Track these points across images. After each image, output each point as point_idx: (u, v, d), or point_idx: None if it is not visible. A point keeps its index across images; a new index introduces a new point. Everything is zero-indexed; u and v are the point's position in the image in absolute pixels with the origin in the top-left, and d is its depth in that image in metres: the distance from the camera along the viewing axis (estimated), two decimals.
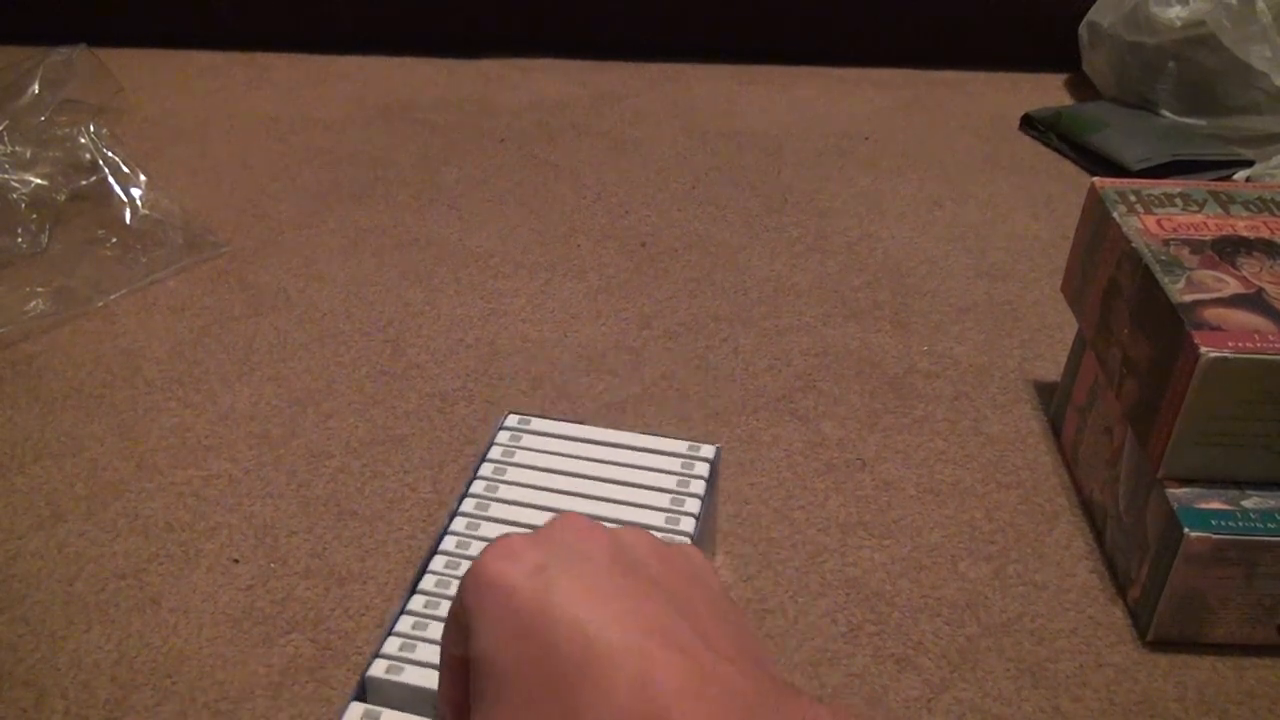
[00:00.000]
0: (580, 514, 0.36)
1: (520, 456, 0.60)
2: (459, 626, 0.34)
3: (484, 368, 0.88)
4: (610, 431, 0.61)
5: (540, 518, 0.56)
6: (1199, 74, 1.24)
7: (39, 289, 0.94)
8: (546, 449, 0.61)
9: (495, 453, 0.60)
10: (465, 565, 0.55)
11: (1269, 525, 0.62)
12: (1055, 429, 0.83)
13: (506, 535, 0.35)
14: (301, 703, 0.61)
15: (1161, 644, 0.66)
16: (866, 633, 0.67)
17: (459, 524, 0.56)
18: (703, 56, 1.46)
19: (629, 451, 0.61)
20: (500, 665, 0.31)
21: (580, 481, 0.58)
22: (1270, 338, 0.61)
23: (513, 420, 0.63)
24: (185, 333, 0.92)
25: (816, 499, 0.76)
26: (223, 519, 0.73)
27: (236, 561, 0.70)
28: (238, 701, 0.61)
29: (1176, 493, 0.64)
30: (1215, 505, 0.63)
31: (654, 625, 0.30)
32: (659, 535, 0.52)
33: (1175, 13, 1.22)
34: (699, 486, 0.59)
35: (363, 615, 0.67)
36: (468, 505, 0.57)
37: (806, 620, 0.67)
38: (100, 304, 0.94)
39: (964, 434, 0.83)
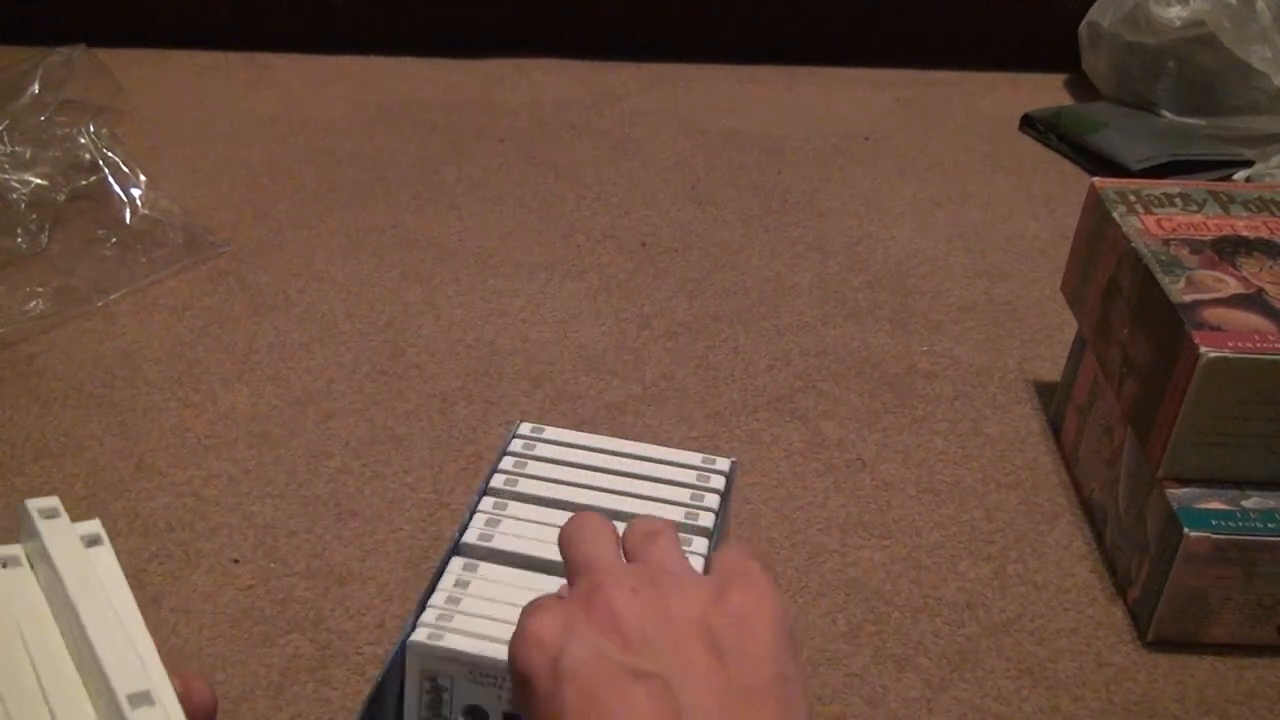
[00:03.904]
0: (613, 585, 0.37)
1: (532, 467, 0.59)
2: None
3: (484, 368, 0.88)
4: (624, 442, 0.61)
5: (552, 533, 0.55)
6: (1199, 74, 1.23)
7: (39, 289, 0.94)
8: (559, 459, 0.60)
9: (507, 463, 0.60)
10: (476, 584, 0.55)
11: (1269, 525, 0.62)
12: (1055, 429, 0.83)
13: (540, 612, 0.37)
14: (301, 703, 0.61)
15: (1161, 644, 0.66)
16: (866, 633, 0.67)
17: (471, 536, 0.55)
18: (703, 56, 1.46)
19: (643, 463, 0.60)
20: None
21: (593, 494, 0.57)
22: (1270, 338, 0.61)
23: (525, 429, 0.62)
24: (185, 333, 0.92)
25: (816, 499, 0.76)
26: (223, 519, 0.73)
27: (236, 561, 0.70)
28: (238, 701, 0.61)
29: (1176, 493, 0.64)
30: (1215, 505, 0.63)
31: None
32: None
33: (1175, 13, 1.22)
34: (714, 500, 0.58)
35: (363, 615, 0.67)
36: (479, 520, 0.56)
37: (806, 620, 0.67)
38: (100, 304, 0.94)
39: (964, 434, 0.83)
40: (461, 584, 0.53)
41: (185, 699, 0.32)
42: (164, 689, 0.30)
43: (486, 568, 0.54)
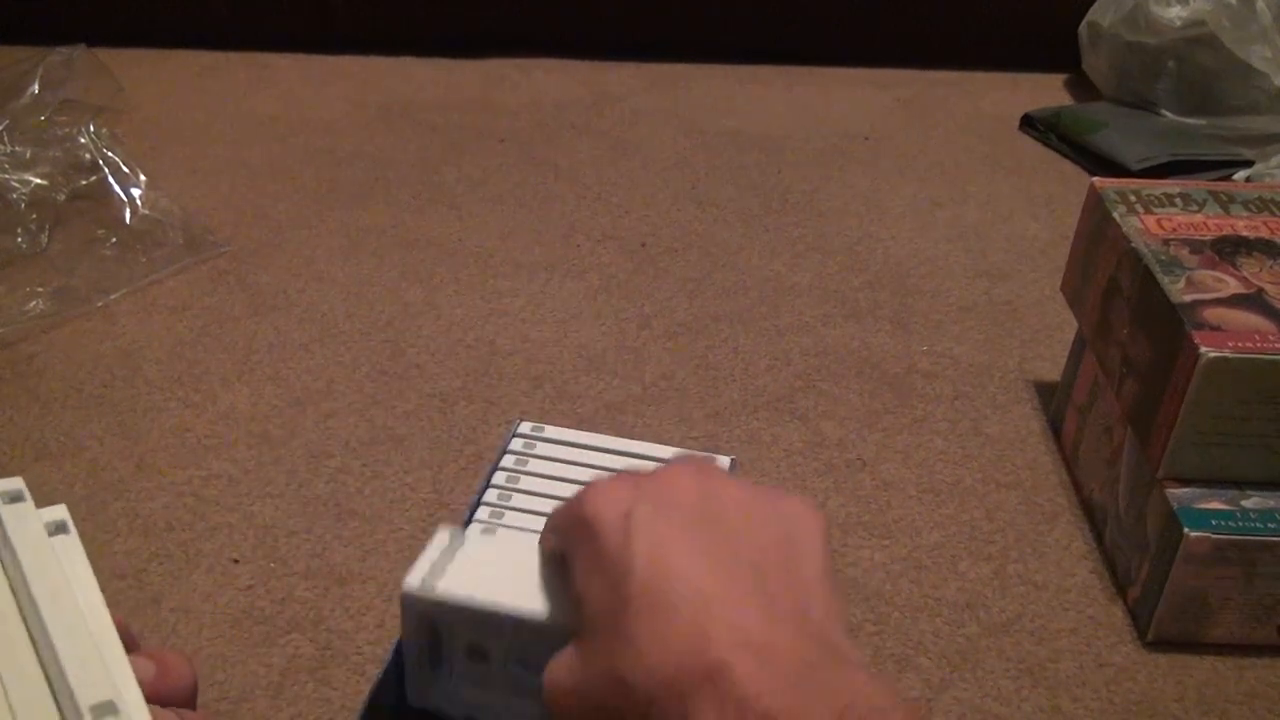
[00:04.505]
0: (688, 460, 0.40)
1: (534, 465, 0.60)
2: (561, 562, 0.39)
3: (484, 368, 0.88)
4: (625, 441, 0.61)
5: None
6: (1199, 74, 1.24)
7: (39, 289, 0.94)
8: (560, 458, 0.60)
9: (508, 462, 0.60)
10: (467, 547, 0.56)
11: (1269, 525, 0.62)
12: (1055, 429, 0.83)
13: (604, 479, 0.39)
14: (301, 703, 0.61)
15: (1161, 644, 0.66)
16: (866, 633, 0.67)
17: (474, 531, 0.56)
18: (703, 56, 1.46)
19: (644, 462, 0.60)
20: (587, 600, 0.35)
21: None
22: (1270, 338, 0.61)
23: (525, 428, 0.62)
24: (185, 333, 0.92)
25: (816, 499, 0.76)
26: (223, 519, 0.73)
27: (236, 561, 0.70)
28: (238, 701, 0.61)
29: (1176, 493, 0.64)
30: (1215, 505, 0.63)
31: (719, 581, 0.33)
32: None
33: (1175, 13, 1.22)
34: None
35: (363, 615, 0.67)
36: (481, 513, 0.57)
37: None
38: (100, 304, 0.94)
39: (964, 434, 0.83)
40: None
41: (161, 679, 0.32)
42: (129, 691, 0.30)
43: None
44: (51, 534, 0.33)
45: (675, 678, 0.32)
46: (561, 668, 0.37)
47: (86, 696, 0.28)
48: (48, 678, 0.30)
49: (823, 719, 0.30)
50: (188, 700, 0.34)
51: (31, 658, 0.31)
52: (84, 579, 0.33)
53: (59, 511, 0.34)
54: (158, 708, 0.31)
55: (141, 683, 0.31)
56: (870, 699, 0.31)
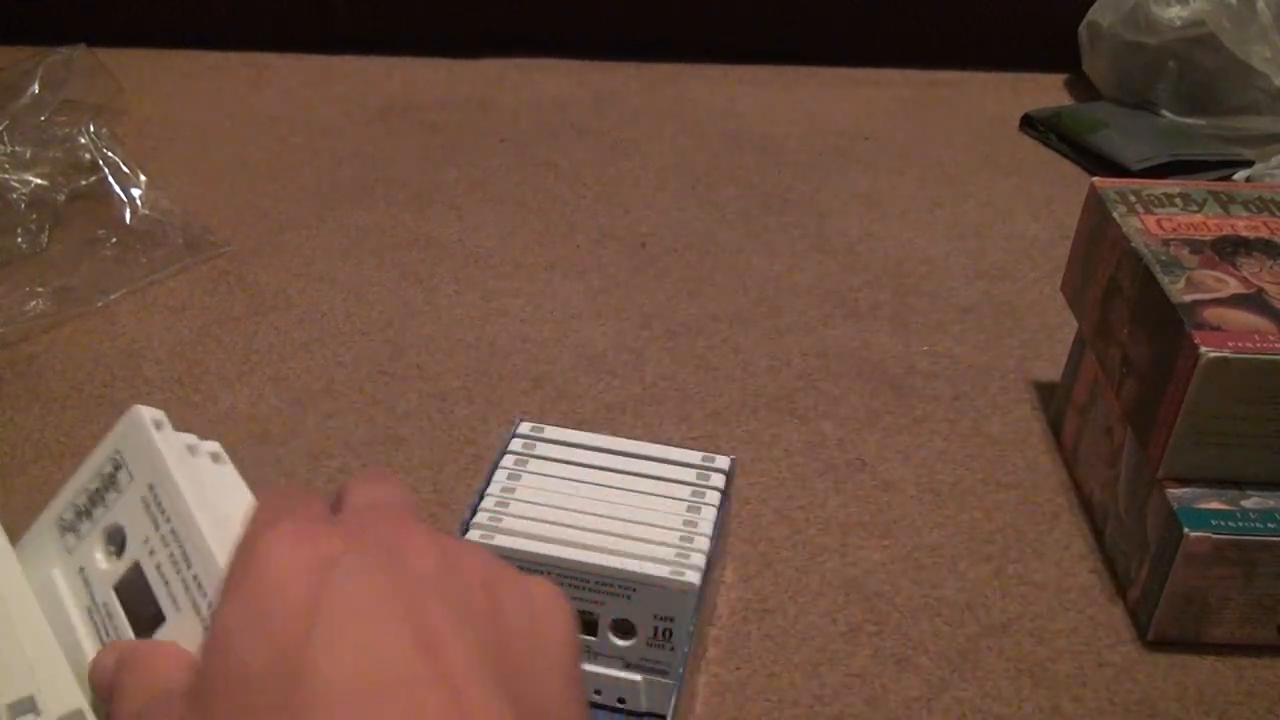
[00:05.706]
0: (400, 507, 0.29)
1: (534, 465, 0.60)
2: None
3: (484, 368, 0.88)
4: (624, 441, 0.61)
5: (552, 530, 0.55)
6: (1199, 74, 1.24)
7: (39, 289, 0.94)
8: (559, 458, 0.60)
9: (508, 462, 0.60)
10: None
11: (1269, 525, 0.62)
12: (1055, 429, 0.83)
13: (303, 496, 0.27)
14: None
15: (1161, 644, 0.66)
16: (866, 633, 0.67)
17: (473, 535, 0.56)
18: (703, 56, 1.46)
19: (643, 461, 0.60)
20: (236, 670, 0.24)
21: (594, 491, 0.58)
22: (1270, 338, 0.61)
23: (525, 428, 0.62)
24: (185, 333, 0.92)
25: (816, 499, 0.76)
26: None
27: None
28: None
29: (1176, 493, 0.64)
30: (1215, 505, 0.63)
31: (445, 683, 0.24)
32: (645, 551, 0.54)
33: (1175, 13, 1.22)
34: (714, 498, 0.59)
35: None
36: (481, 517, 0.57)
37: (806, 620, 0.67)
38: (100, 304, 0.94)
39: (964, 434, 0.83)
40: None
41: None
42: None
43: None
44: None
45: None
46: None
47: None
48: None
49: None
50: None
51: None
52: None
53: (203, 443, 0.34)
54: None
55: None
56: None
